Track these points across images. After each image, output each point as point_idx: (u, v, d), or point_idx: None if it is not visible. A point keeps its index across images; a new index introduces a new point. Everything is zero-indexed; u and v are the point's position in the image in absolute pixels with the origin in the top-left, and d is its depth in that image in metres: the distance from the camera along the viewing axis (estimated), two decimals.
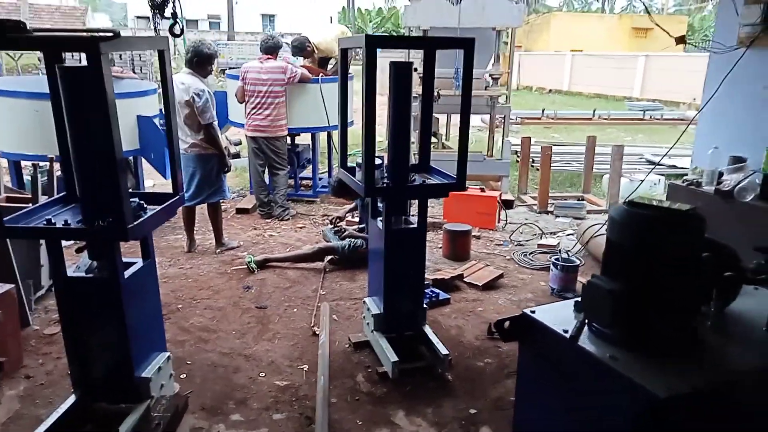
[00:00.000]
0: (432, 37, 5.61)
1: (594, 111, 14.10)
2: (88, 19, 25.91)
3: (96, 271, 2.43)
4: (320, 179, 6.81)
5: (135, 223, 2.28)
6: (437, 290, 3.91)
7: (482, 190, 5.70)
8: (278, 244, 5.04)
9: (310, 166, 6.72)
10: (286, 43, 6.48)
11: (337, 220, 4.78)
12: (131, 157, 5.41)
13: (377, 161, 2.85)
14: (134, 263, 2.57)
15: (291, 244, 5.03)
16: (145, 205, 2.55)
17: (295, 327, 3.52)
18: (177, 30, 3.08)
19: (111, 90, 2.07)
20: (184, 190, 4.61)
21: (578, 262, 4.13)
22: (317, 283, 4.14)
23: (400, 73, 2.89)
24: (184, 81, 4.33)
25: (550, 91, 23.52)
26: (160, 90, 4.40)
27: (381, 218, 3.08)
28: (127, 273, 2.47)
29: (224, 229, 5.34)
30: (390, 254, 3.02)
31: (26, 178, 5.37)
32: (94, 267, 2.46)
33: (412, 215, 3.20)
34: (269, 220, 5.72)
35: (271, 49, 5.58)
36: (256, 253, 4.78)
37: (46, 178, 5.17)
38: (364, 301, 3.31)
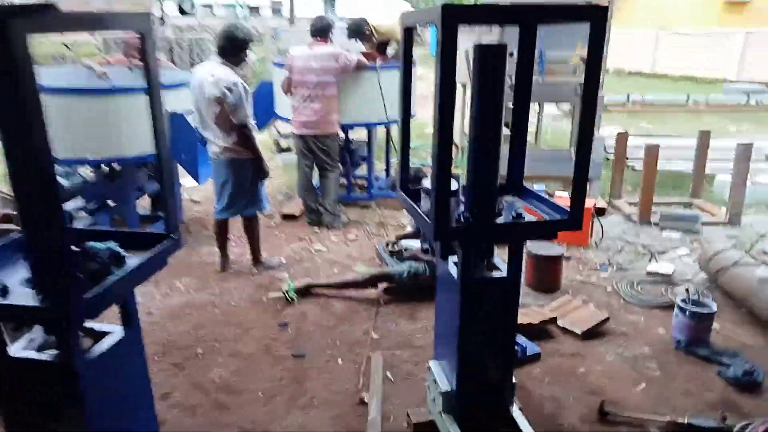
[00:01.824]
0: (541, 5, 4.60)
1: (688, 96, 12.46)
2: (155, 5, 26.17)
3: (53, 349, 1.73)
4: (377, 179, 5.98)
5: (92, 294, 1.54)
6: (523, 340, 3.01)
7: None
8: (325, 261, 4.26)
9: (365, 165, 5.89)
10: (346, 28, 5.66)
11: (396, 243, 3.87)
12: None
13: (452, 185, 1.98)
14: (109, 333, 1.85)
15: (340, 262, 4.24)
16: (123, 254, 1.81)
17: (338, 389, 2.73)
18: (187, 6, 2.32)
19: (33, 86, 1.31)
20: (215, 201, 3.93)
21: (713, 306, 3.10)
22: (369, 322, 3.33)
23: (489, 60, 1.99)
24: (213, 73, 3.59)
25: (630, 73, 21.54)
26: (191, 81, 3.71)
27: (455, 260, 2.22)
28: (96, 351, 1.75)
29: (265, 240, 4.64)
30: (468, 312, 2.16)
31: None
32: (51, 341, 1.76)
33: (499, 257, 2.31)
34: (317, 229, 4.96)
35: (320, 31, 4.77)
36: (298, 273, 4.03)
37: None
38: (429, 367, 2.47)
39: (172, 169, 4.82)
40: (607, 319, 3.27)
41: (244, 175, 3.80)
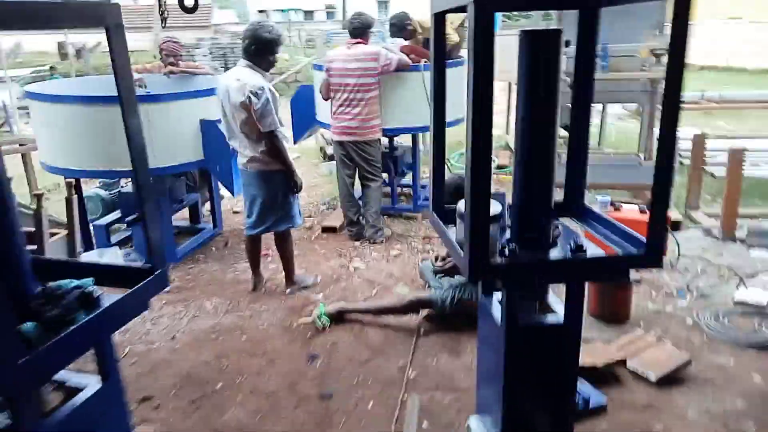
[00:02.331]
0: None
1: None
2: (214, 16, 26.85)
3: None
4: (423, 188, 5.60)
5: (33, 355, 1.26)
6: (587, 387, 2.55)
7: (643, 211, 4.11)
8: (364, 281, 3.92)
9: (411, 173, 5.52)
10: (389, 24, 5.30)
11: (443, 261, 3.42)
12: (194, 170, 4.61)
13: (493, 207, 1.59)
14: (82, 388, 1.58)
15: (380, 282, 3.89)
16: (98, 293, 1.54)
17: None
18: (189, 2, 2.05)
19: None
20: (246, 216, 3.67)
21: None
22: (406, 356, 2.96)
23: (540, 49, 1.60)
24: (239, 77, 3.33)
25: (702, 67, 20.04)
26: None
27: (499, 299, 1.83)
28: (61, 414, 1.48)
29: (303, 255, 4.38)
30: (514, 365, 1.76)
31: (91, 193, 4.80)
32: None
33: (555, 295, 1.89)
34: (358, 244, 4.63)
35: (359, 30, 4.44)
36: (334, 294, 3.72)
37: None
38: (468, 426, 2.07)
39: (200, 180, 4.64)
40: (689, 362, 2.74)
41: (275, 188, 3.52)
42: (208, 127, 4.12)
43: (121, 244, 4.51)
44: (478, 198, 1.48)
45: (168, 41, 4.83)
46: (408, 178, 5.60)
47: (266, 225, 3.61)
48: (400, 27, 5.04)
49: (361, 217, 4.77)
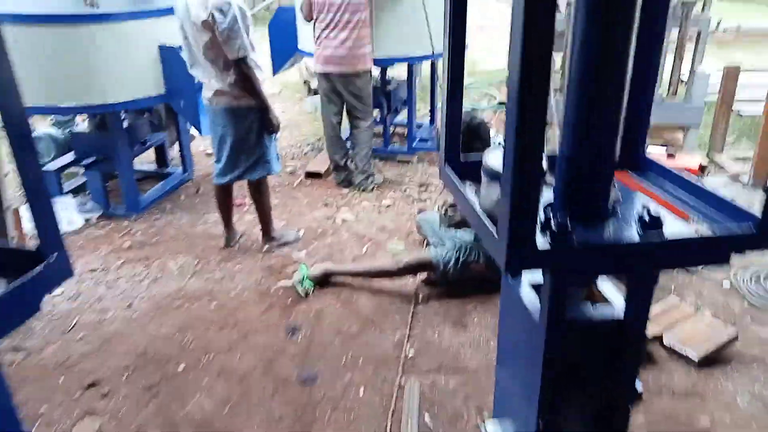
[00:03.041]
0: None
1: None
2: None
3: None
4: (419, 128, 5.04)
5: None
6: None
7: (671, 155, 3.61)
8: (353, 236, 3.45)
9: (405, 110, 4.93)
10: None
11: (450, 210, 2.91)
12: (158, 106, 3.99)
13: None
14: None
15: (371, 237, 3.42)
16: None
17: None
18: None
19: None
20: (215, 161, 3.13)
21: None
22: (403, 328, 2.52)
23: None
24: None
25: None
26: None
27: (533, 280, 1.37)
28: None
29: (284, 204, 3.89)
30: (557, 368, 1.31)
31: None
32: None
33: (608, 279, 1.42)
34: (346, 191, 4.13)
35: None
36: (318, 252, 3.25)
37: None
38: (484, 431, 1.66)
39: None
40: (735, 338, 2.34)
41: (247, 127, 2.96)
42: (168, 54, 3.50)
43: (74, 192, 3.96)
44: (525, 152, 0.98)
45: None
46: (402, 116, 5.03)
47: (238, 172, 3.08)
48: None
49: (349, 161, 4.23)
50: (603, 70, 1.17)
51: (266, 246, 3.31)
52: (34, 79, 3.21)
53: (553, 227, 1.11)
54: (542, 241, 1.09)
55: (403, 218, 3.67)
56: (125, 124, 3.90)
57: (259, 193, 3.20)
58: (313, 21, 3.89)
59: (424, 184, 4.21)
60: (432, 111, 5.27)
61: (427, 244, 3.15)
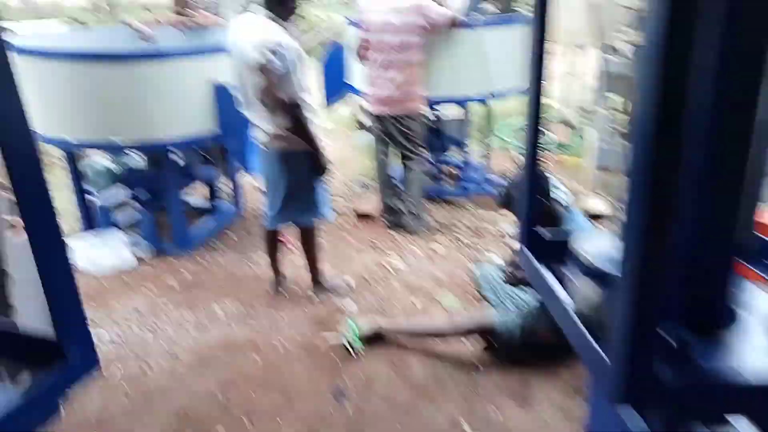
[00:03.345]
0: None
1: None
2: None
3: None
4: (472, 168, 4.85)
5: None
6: None
7: None
8: (403, 285, 3.28)
9: (457, 149, 4.77)
10: None
11: (515, 268, 2.62)
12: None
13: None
14: None
15: (423, 288, 3.24)
16: None
17: None
18: None
19: None
20: (265, 205, 3.04)
21: None
22: (459, 403, 2.31)
23: None
24: (254, 29, 2.64)
25: None
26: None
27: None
28: None
29: (334, 246, 3.79)
30: None
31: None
32: None
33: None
34: (396, 235, 3.97)
35: None
36: (368, 303, 3.09)
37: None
38: None
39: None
40: None
41: (299, 172, 2.85)
42: (221, 92, 3.46)
43: (127, 227, 3.96)
44: (653, 260, 0.79)
45: None
46: (454, 155, 4.87)
47: (288, 217, 2.98)
48: None
49: (400, 203, 4.09)
50: (728, 140, 0.97)
51: (314, 293, 3.17)
52: (88, 114, 3.23)
53: (675, 348, 0.91)
54: (665, 373, 0.89)
55: (456, 268, 3.47)
56: (177, 160, 3.90)
57: (309, 239, 3.09)
58: (366, 61, 3.81)
59: (478, 229, 4.01)
60: (485, 150, 5.08)
61: (485, 300, 2.94)
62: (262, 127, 2.82)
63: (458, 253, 3.67)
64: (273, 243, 3.15)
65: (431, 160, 4.52)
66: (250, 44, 2.61)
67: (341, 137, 6.48)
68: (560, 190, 2.52)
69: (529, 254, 1.28)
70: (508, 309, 2.55)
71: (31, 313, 1.87)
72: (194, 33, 4.16)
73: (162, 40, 4.01)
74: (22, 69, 3.29)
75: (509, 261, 2.63)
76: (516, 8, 4.42)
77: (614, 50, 4.79)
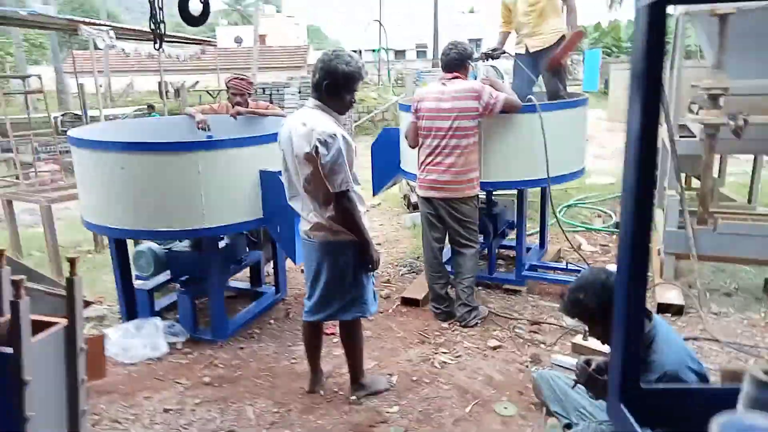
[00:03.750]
0: None
1: None
2: (310, 56, 27.30)
3: None
4: (528, 250, 4.56)
5: None
6: None
7: None
8: (453, 389, 2.95)
9: (513, 232, 4.51)
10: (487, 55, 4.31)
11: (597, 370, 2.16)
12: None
13: None
14: None
15: (475, 392, 2.90)
16: None
17: None
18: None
19: None
20: (306, 296, 2.86)
21: None
22: None
23: None
24: (306, 120, 2.56)
25: None
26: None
27: None
28: None
29: (377, 335, 3.55)
30: None
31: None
32: None
33: None
34: (446, 325, 3.68)
35: (455, 62, 3.57)
36: (413, 406, 2.78)
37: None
38: None
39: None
40: None
41: (344, 264, 2.68)
42: (268, 179, 3.41)
43: (166, 311, 3.86)
44: None
45: (234, 78, 4.25)
46: (510, 238, 4.61)
47: (330, 311, 2.77)
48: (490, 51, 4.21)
49: (450, 291, 3.82)
50: None
51: (354, 395, 2.89)
52: (139, 204, 3.21)
53: None
54: None
55: (513, 367, 3.12)
56: (223, 244, 3.83)
57: (351, 336, 2.85)
58: (418, 147, 3.71)
59: (537, 321, 3.67)
60: (543, 233, 4.81)
61: (547, 412, 2.58)
62: (307, 217, 2.69)
63: (516, 349, 3.33)
64: (312, 337, 2.93)
65: (484, 244, 4.28)
66: (298, 134, 2.54)
67: (389, 215, 6.35)
68: None
69: (627, 413, 0.98)
70: (574, 423, 2.18)
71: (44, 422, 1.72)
72: (247, 120, 4.22)
73: (217, 127, 4.09)
74: (77, 160, 3.41)
75: (581, 371, 2.25)
76: (563, 95, 4.27)
77: (682, 128, 4.54)
